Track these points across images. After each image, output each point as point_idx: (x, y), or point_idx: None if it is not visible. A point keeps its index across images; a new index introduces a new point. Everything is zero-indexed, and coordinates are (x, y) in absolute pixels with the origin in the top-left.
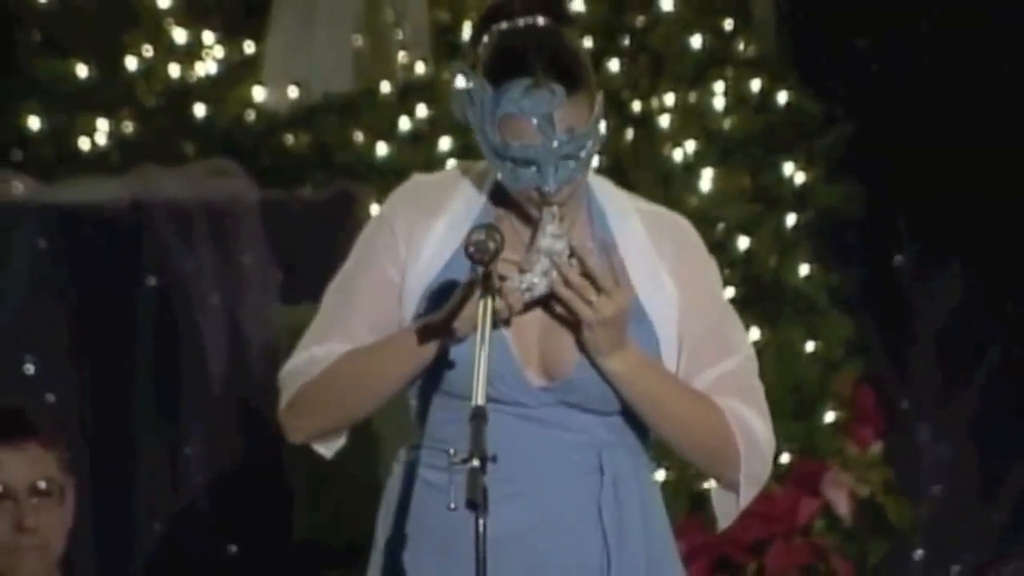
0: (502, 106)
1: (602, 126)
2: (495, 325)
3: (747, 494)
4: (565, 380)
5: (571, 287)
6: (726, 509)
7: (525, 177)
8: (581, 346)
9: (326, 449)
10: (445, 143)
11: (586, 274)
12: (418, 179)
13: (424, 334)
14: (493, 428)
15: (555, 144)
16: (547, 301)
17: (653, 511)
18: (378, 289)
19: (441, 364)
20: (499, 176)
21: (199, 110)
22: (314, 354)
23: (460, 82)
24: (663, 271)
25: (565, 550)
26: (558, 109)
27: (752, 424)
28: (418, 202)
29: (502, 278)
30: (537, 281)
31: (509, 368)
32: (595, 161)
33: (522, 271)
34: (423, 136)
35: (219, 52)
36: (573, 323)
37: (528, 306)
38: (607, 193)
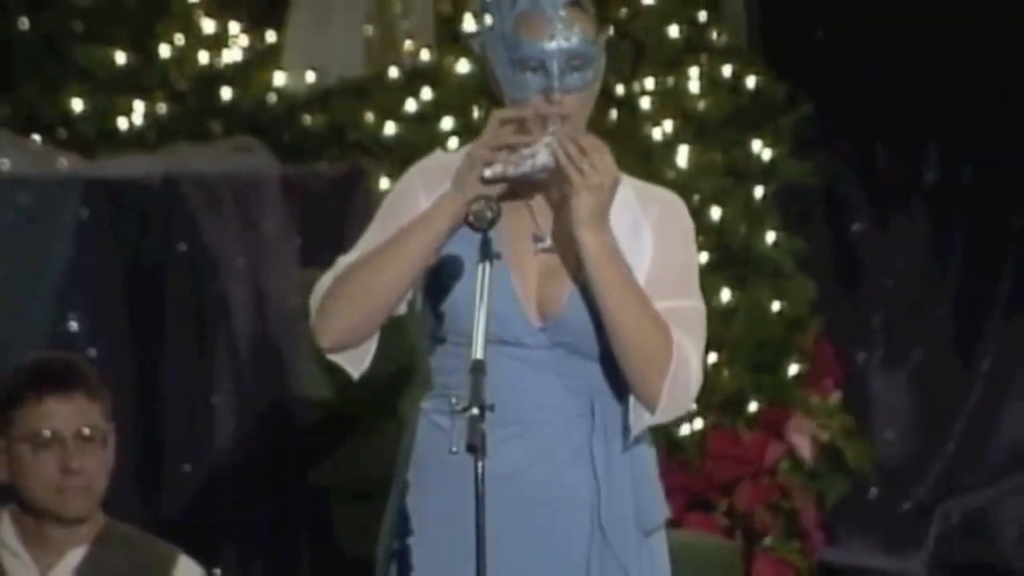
0: (519, 3)
1: (603, 59)
2: (499, 204)
3: (665, 410)
4: (558, 318)
5: (566, 155)
6: (638, 423)
7: (533, 83)
8: (575, 279)
9: (352, 366)
10: (447, 123)
11: (579, 147)
12: (437, 154)
13: (436, 212)
14: (495, 371)
15: (563, 42)
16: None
17: (641, 453)
18: (407, 219)
19: (445, 312)
20: (508, 94)
21: (226, 93)
22: (344, 260)
23: (487, 20)
24: (646, 230)
25: (559, 486)
26: (567, 8)
27: (690, 354)
28: (436, 169)
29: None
30: (541, 150)
31: (513, 309)
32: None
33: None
34: (428, 116)
35: (244, 40)
36: (561, 198)
37: (521, 189)
38: None
